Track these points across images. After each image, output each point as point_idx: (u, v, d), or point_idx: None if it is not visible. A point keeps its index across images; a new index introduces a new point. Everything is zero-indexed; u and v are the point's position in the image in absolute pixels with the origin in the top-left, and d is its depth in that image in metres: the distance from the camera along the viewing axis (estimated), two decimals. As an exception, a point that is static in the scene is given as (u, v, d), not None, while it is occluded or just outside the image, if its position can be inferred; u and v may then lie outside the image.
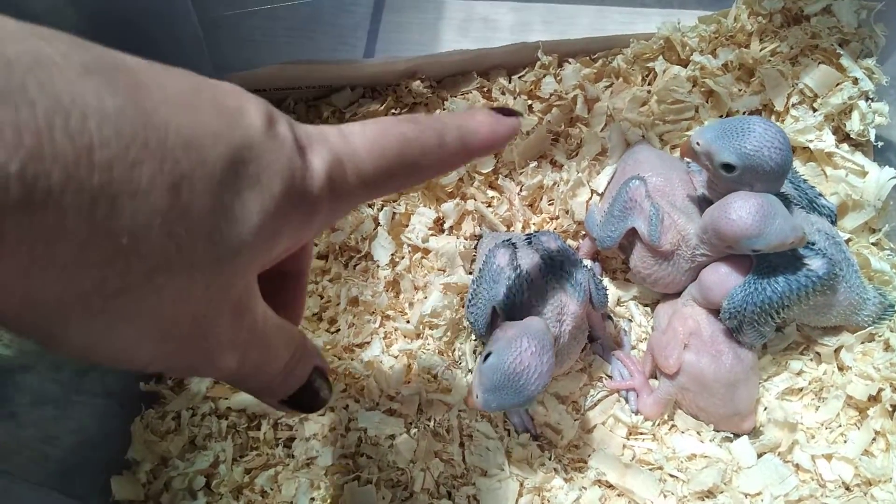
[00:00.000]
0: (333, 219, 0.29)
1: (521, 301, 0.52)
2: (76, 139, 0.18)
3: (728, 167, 0.50)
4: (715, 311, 0.56)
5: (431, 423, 0.57)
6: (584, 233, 0.64)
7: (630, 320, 0.63)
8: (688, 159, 0.54)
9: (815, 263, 0.52)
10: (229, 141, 0.22)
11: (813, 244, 0.53)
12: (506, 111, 0.35)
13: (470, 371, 0.60)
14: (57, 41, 0.19)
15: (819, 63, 0.64)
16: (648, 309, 0.63)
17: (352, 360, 0.60)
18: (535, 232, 0.59)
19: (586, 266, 0.56)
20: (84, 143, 0.18)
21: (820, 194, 0.57)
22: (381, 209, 0.65)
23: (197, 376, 0.29)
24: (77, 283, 0.19)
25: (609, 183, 0.63)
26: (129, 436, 0.58)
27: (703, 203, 0.56)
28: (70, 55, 0.19)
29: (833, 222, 0.57)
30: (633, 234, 0.58)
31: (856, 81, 0.62)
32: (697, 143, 0.51)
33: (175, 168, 0.20)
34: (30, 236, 0.17)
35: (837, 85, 0.63)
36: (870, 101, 0.63)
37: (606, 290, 0.57)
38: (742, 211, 0.49)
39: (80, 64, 0.19)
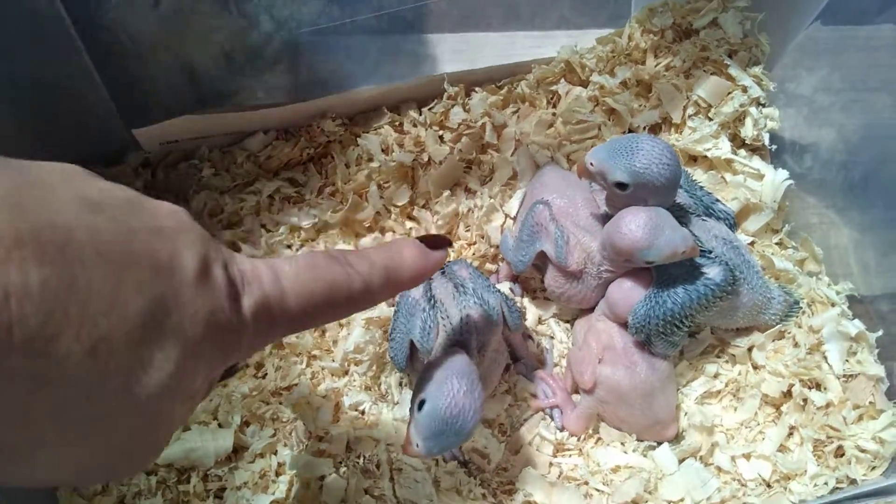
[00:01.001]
0: (255, 351, 0.31)
1: (437, 332, 0.53)
2: None
3: (621, 185, 0.52)
4: (626, 325, 0.57)
5: (361, 461, 0.57)
6: (501, 256, 0.66)
7: (552, 338, 0.64)
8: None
9: (713, 271, 0.53)
10: (153, 293, 0.23)
11: (710, 252, 0.54)
12: (434, 242, 0.36)
13: (396, 404, 0.60)
14: None
15: (711, 74, 0.66)
16: (569, 325, 0.64)
17: (280, 403, 0.60)
18: (449, 261, 0.60)
19: (498, 290, 0.57)
20: (3, 322, 0.18)
21: (717, 200, 0.59)
22: (300, 248, 0.66)
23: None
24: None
25: (520, 207, 0.65)
26: (56, 500, 0.57)
27: (605, 220, 0.58)
28: (2, 226, 0.19)
29: (731, 226, 0.59)
30: (544, 255, 0.59)
31: (745, 89, 0.65)
32: (591, 164, 0.53)
33: (93, 332, 0.21)
34: None
35: (729, 94, 0.65)
36: (761, 106, 0.65)
37: (520, 311, 0.58)
38: (632, 224, 0.50)
39: (12, 238, 0.19)
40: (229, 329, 0.26)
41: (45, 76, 0.60)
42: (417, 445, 0.46)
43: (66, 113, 0.63)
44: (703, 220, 0.57)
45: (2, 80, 0.58)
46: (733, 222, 0.59)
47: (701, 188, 0.60)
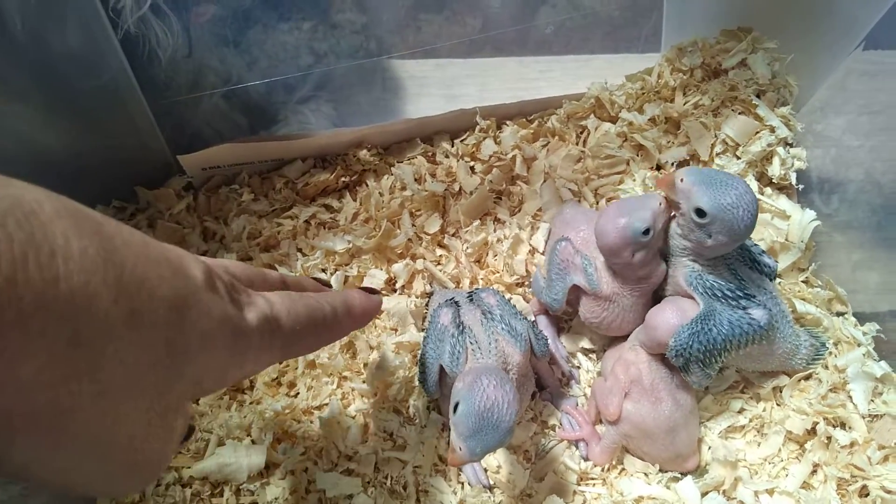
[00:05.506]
0: (259, 366, 0.34)
1: (466, 357, 0.55)
2: (44, 271, 0.21)
3: (700, 212, 0.52)
4: (658, 357, 0.58)
5: (388, 481, 0.59)
6: (529, 283, 0.67)
7: (578, 367, 0.65)
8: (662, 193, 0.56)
9: (758, 314, 0.54)
10: (173, 286, 0.26)
11: (753, 296, 0.55)
12: (371, 291, 0.48)
13: (424, 427, 0.62)
14: (33, 191, 0.22)
15: (739, 113, 0.68)
16: (595, 356, 0.65)
17: (311, 422, 0.62)
18: (477, 288, 0.62)
19: (525, 318, 0.58)
20: (51, 274, 0.21)
21: (763, 252, 0.59)
22: (334, 273, 0.68)
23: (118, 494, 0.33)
24: (31, 401, 0.21)
25: (545, 242, 0.67)
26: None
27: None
28: (43, 203, 0.22)
29: (772, 279, 0.59)
30: (575, 288, 0.60)
31: (773, 129, 0.66)
32: (682, 179, 0.53)
33: (129, 302, 0.24)
34: None
35: (756, 133, 0.66)
36: (788, 147, 0.67)
37: (546, 338, 0.59)
38: (610, 222, 0.55)
39: (52, 210, 0.22)
40: (239, 332, 0.30)
41: (101, 107, 0.63)
42: (460, 449, 0.46)
43: (117, 140, 0.67)
44: (749, 269, 0.58)
45: (62, 107, 0.61)
46: (774, 276, 0.59)
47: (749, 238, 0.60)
